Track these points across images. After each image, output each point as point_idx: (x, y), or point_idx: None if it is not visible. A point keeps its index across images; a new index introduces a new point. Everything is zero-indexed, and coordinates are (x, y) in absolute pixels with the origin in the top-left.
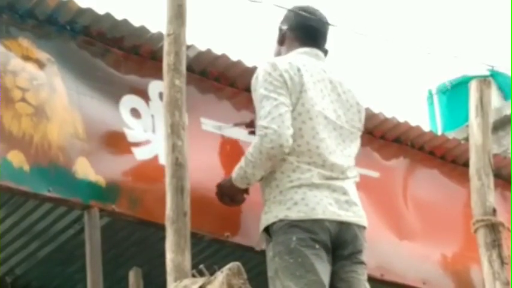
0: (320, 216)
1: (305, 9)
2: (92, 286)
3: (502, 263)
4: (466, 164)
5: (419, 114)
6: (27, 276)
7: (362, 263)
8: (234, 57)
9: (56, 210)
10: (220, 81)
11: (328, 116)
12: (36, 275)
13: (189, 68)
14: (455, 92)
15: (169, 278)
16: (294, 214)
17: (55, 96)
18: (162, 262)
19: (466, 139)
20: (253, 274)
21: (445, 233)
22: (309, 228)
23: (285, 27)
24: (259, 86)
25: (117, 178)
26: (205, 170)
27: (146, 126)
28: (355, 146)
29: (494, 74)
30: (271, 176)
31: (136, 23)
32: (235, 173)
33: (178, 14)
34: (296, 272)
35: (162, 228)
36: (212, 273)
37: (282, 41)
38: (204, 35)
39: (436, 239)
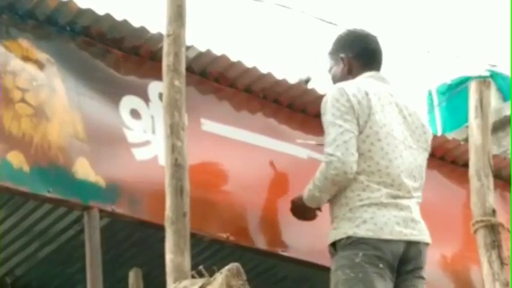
0: (387, 236)
1: (361, 33)
2: (91, 287)
3: (502, 263)
4: (465, 165)
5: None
6: (27, 276)
7: (422, 278)
8: (234, 58)
9: (56, 211)
10: (220, 81)
11: (397, 137)
12: (36, 275)
13: (189, 69)
14: (455, 93)
15: (169, 279)
16: (363, 232)
17: (55, 97)
18: (161, 263)
19: (466, 140)
20: (252, 275)
21: (445, 234)
22: (376, 246)
23: (349, 55)
24: (327, 112)
25: (117, 179)
26: (205, 170)
27: (146, 127)
28: (424, 166)
29: (493, 75)
30: (341, 194)
31: (136, 23)
32: (305, 193)
33: (177, 15)
34: (355, 286)
35: (161, 228)
36: (211, 274)
37: (350, 70)
38: (203, 35)
39: (436, 240)
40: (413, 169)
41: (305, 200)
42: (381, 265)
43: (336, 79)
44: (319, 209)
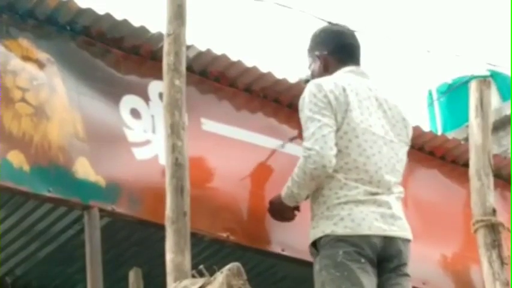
0: (366, 232)
1: (335, 29)
2: (91, 286)
3: (502, 263)
4: (466, 164)
5: (419, 114)
6: (27, 276)
7: (406, 275)
8: (234, 57)
9: (56, 211)
10: (220, 81)
11: (376, 132)
12: (36, 275)
13: (189, 68)
14: (455, 92)
15: (169, 278)
16: (341, 229)
17: (55, 97)
18: (162, 262)
19: (466, 139)
20: (253, 274)
21: (445, 233)
22: (355, 242)
23: (324, 52)
24: (305, 107)
25: (117, 178)
26: (205, 170)
27: (146, 127)
28: (405, 160)
29: (494, 75)
30: (319, 193)
31: (136, 23)
32: (283, 191)
33: (178, 14)
34: (342, 285)
35: (162, 228)
36: (212, 273)
37: (326, 67)
38: (204, 35)
39: (436, 239)
40: (395, 164)
41: (283, 198)
42: (362, 260)
43: (314, 76)
44: (297, 209)
